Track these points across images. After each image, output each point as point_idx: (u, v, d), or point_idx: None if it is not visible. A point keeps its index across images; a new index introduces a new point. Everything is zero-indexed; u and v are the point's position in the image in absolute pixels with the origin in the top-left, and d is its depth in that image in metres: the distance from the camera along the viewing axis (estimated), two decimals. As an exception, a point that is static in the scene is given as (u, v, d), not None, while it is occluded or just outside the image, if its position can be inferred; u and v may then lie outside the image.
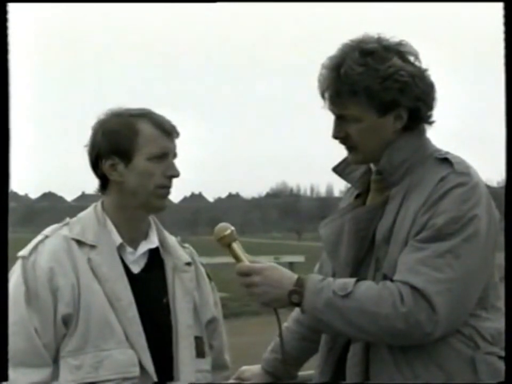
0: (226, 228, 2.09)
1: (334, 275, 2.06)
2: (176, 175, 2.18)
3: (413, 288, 1.89)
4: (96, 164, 2.18)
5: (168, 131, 2.17)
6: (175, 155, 2.20)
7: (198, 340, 2.26)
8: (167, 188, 2.18)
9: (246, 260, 2.06)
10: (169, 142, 2.17)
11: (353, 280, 1.96)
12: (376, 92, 1.99)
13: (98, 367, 2.06)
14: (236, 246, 2.08)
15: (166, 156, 2.16)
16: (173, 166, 2.18)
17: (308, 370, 2.37)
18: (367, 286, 1.94)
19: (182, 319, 2.21)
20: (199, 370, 2.24)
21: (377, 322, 1.90)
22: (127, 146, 2.14)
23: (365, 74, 1.98)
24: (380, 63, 1.99)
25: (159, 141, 2.15)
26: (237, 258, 2.07)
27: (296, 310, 2.31)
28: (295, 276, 2.02)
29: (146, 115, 2.17)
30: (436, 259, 1.90)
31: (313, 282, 1.98)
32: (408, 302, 1.88)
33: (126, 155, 2.14)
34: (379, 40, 2.03)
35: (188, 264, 2.30)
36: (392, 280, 1.93)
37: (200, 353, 2.25)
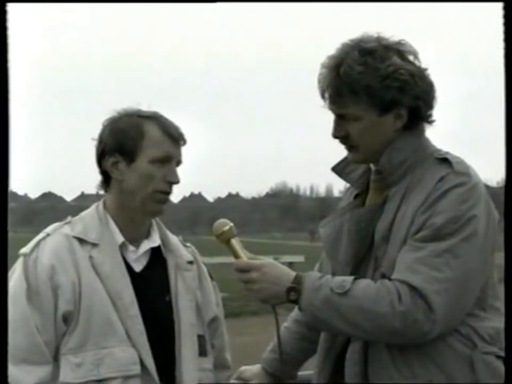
0: (225, 223, 2.10)
1: (333, 274, 2.06)
2: (176, 181, 2.18)
3: (411, 287, 1.89)
4: (100, 160, 2.19)
5: (174, 136, 2.17)
6: (179, 162, 2.20)
7: (201, 339, 2.27)
8: (165, 193, 2.18)
9: (245, 256, 2.07)
10: (174, 148, 2.18)
11: (351, 278, 1.96)
12: (376, 90, 1.99)
13: (99, 364, 2.06)
14: (235, 242, 2.09)
15: (168, 160, 2.16)
16: (174, 172, 2.18)
17: (308, 370, 2.37)
18: (365, 284, 1.94)
19: (184, 317, 2.22)
20: (201, 369, 2.25)
21: (375, 321, 1.90)
22: (132, 146, 2.15)
23: (365, 73, 1.98)
24: (379, 62, 1.99)
25: (164, 145, 2.16)
26: (236, 255, 2.08)
27: (296, 310, 2.31)
28: (293, 273, 2.02)
29: (154, 118, 2.18)
30: (434, 258, 1.90)
31: (311, 279, 1.98)
32: (406, 301, 1.88)
33: (129, 155, 2.15)
34: (379, 39, 2.03)
35: (190, 262, 2.31)
36: (390, 279, 1.93)
37: (202, 352, 2.26)
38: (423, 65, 2.06)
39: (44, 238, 2.16)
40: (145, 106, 2.23)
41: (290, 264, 16.04)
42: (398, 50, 2.03)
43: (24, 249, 2.14)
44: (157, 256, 2.25)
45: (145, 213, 2.21)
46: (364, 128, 2.03)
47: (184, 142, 2.21)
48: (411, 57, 2.04)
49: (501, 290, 1.90)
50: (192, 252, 2.37)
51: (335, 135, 2.08)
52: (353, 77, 1.99)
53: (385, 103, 2.00)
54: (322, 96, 2.06)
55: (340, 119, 2.05)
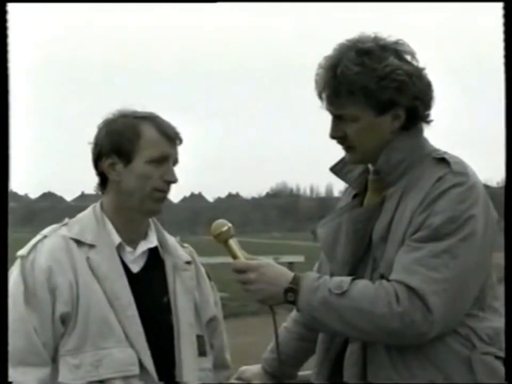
0: (223, 224, 2.10)
1: (332, 275, 2.05)
2: (174, 181, 2.19)
3: (409, 287, 1.88)
4: (97, 161, 2.20)
5: (171, 136, 2.17)
6: (175, 161, 2.21)
7: (200, 339, 2.27)
8: (163, 192, 2.18)
9: (242, 257, 2.07)
10: (170, 148, 2.18)
11: (349, 278, 1.95)
12: (373, 91, 1.98)
13: (98, 365, 2.06)
14: (233, 242, 2.09)
15: (165, 160, 2.17)
16: (171, 171, 2.18)
17: (309, 370, 2.37)
18: (363, 285, 1.94)
19: (183, 317, 2.22)
20: (201, 369, 2.25)
21: (372, 322, 1.89)
22: (128, 147, 2.15)
23: (362, 74, 1.98)
24: (376, 63, 1.98)
25: (160, 145, 2.16)
26: (233, 255, 2.08)
27: (295, 311, 2.31)
28: (291, 274, 2.01)
29: (150, 118, 2.18)
30: (432, 259, 1.90)
31: (309, 280, 1.97)
32: (404, 302, 1.88)
33: (126, 156, 2.15)
34: (375, 40, 2.03)
35: (188, 263, 2.31)
36: (388, 280, 1.93)
37: (201, 352, 2.26)
38: (421, 65, 2.05)
39: (41, 240, 2.16)
40: (140, 106, 2.23)
41: (290, 264, 16.01)
42: (395, 50, 2.02)
43: (21, 251, 2.14)
44: (154, 257, 2.25)
45: (144, 212, 2.21)
46: (361, 128, 2.03)
47: (180, 141, 2.21)
48: (408, 57, 2.03)
49: (500, 290, 1.90)
50: (189, 252, 2.37)
51: (333, 136, 2.07)
52: (350, 77, 1.98)
53: (383, 103, 2.00)
54: (320, 97, 2.05)
55: (338, 120, 2.05)
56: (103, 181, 2.21)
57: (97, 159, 2.19)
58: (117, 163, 2.16)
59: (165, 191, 2.19)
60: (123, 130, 2.16)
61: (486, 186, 2.08)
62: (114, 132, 2.17)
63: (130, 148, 2.15)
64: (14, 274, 2.11)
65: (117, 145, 2.15)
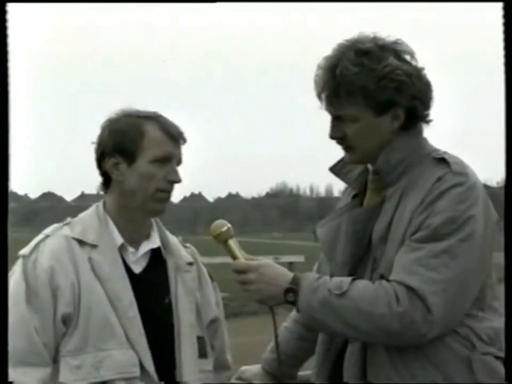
0: (223, 224, 2.10)
1: (331, 275, 2.05)
2: (177, 180, 2.18)
3: (408, 288, 1.88)
4: (100, 161, 2.19)
5: (175, 136, 2.17)
6: (179, 161, 2.20)
7: (200, 340, 2.26)
8: (166, 192, 2.18)
9: (242, 257, 2.07)
10: (174, 147, 2.17)
11: (349, 279, 1.95)
12: (373, 91, 1.98)
13: (98, 367, 2.06)
14: (232, 243, 2.09)
15: (169, 160, 2.16)
16: (175, 171, 2.18)
17: (309, 370, 2.37)
18: (362, 285, 1.94)
19: (184, 319, 2.21)
20: (201, 370, 2.24)
21: (372, 322, 1.90)
22: (132, 147, 2.14)
23: (361, 74, 1.98)
24: (375, 63, 1.99)
25: (164, 145, 2.15)
26: (233, 255, 2.08)
27: (295, 310, 2.31)
28: (291, 274, 2.02)
29: (154, 118, 2.18)
30: (432, 259, 1.90)
31: (308, 280, 1.98)
32: (404, 302, 1.88)
33: (129, 155, 2.15)
34: (375, 40, 2.03)
35: (190, 264, 2.30)
36: (388, 280, 1.93)
37: (202, 354, 2.26)
38: (420, 65, 2.05)
39: (43, 240, 2.16)
40: (141, 106, 2.23)
41: (290, 264, 16.02)
42: (395, 50, 2.03)
43: (23, 251, 2.14)
44: (156, 258, 2.24)
45: (147, 213, 2.20)
46: (361, 128, 2.03)
47: (184, 141, 2.21)
48: (408, 57, 2.04)
49: (499, 290, 1.90)
50: (191, 253, 2.36)
51: (332, 136, 2.07)
52: (349, 78, 1.98)
53: (382, 103, 2.00)
54: (319, 97, 2.05)
55: (337, 120, 2.05)
56: (106, 181, 2.21)
57: (101, 158, 2.19)
58: (120, 163, 2.16)
59: (168, 191, 2.18)
60: (126, 129, 2.16)
61: (486, 186, 2.08)
62: (117, 131, 2.16)
63: (133, 147, 2.15)
64: (15, 273, 2.11)
65: (120, 144, 2.15)
